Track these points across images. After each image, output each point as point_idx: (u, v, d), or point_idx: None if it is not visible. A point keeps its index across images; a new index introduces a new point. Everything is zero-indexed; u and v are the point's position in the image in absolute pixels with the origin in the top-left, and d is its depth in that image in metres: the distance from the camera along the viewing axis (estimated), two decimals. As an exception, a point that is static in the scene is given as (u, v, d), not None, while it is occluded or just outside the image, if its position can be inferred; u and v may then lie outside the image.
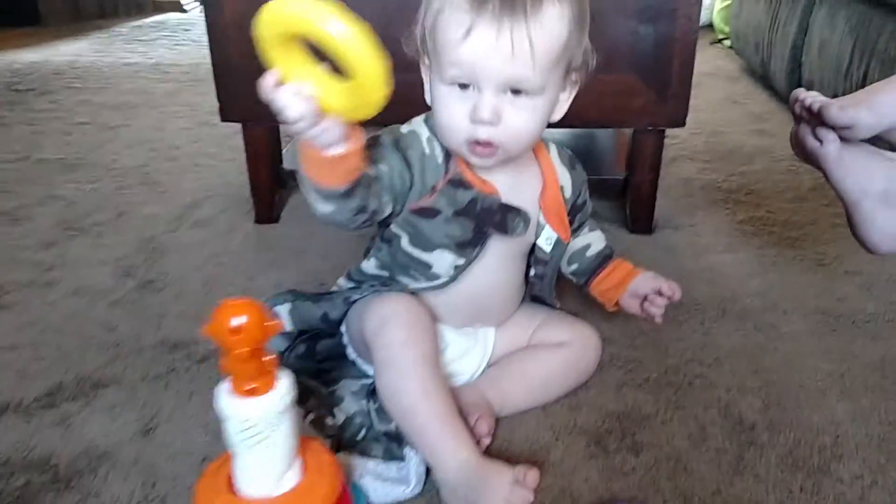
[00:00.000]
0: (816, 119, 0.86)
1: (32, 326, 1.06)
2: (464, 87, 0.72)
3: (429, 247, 0.81)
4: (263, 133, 1.33)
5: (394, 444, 0.79)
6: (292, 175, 1.40)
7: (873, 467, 0.79)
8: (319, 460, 0.66)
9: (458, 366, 0.88)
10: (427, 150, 0.79)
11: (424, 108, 0.80)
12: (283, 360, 0.85)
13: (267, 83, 0.60)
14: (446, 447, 0.73)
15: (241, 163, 1.38)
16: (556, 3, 0.70)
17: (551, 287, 0.93)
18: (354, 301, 0.84)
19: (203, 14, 1.23)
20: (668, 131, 1.27)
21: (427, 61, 0.77)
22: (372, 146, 0.75)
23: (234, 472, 0.63)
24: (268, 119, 1.28)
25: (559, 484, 0.77)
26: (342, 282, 0.86)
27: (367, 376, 0.85)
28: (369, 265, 0.84)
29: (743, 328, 1.05)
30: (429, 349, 0.78)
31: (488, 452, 0.77)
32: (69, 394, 0.91)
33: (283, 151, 1.42)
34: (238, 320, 0.55)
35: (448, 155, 0.79)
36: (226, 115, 1.27)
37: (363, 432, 0.81)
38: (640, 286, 0.92)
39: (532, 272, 0.89)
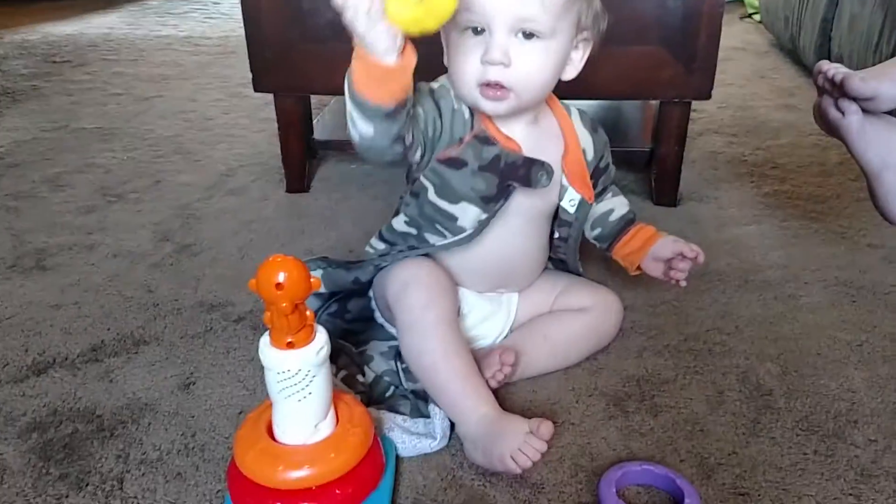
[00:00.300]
0: (839, 91, 0.87)
1: (76, 287, 1.11)
2: (476, 32, 0.75)
3: (454, 198, 0.83)
4: (295, 103, 1.36)
5: (420, 401, 0.82)
6: (323, 145, 1.43)
7: (887, 433, 0.81)
8: (352, 412, 0.69)
9: (482, 329, 0.91)
10: (455, 106, 0.81)
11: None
12: (317, 319, 0.89)
13: None
14: (466, 403, 0.77)
15: (273, 133, 1.42)
16: None
17: (576, 251, 0.95)
18: (382, 268, 0.87)
19: (236, -14, 1.26)
20: (696, 105, 1.27)
21: None
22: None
23: (274, 420, 0.66)
24: (299, 89, 1.32)
25: (578, 442, 0.80)
26: (374, 241, 0.89)
27: (394, 338, 0.88)
28: (398, 222, 0.87)
29: (763, 298, 1.07)
30: (448, 310, 0.81)
31: (510, 410, 0.80)
32: (112, 350, 0.96)
33: (314, 122, 1.45)
34: (282, 275, 0.59)
35: (473, 113, 0.82)
36: (258, 86, 1.30)
37: (391, 390, 0.85)
38: (662, 250, 0.93)
39: (556, 234, 0.91)
